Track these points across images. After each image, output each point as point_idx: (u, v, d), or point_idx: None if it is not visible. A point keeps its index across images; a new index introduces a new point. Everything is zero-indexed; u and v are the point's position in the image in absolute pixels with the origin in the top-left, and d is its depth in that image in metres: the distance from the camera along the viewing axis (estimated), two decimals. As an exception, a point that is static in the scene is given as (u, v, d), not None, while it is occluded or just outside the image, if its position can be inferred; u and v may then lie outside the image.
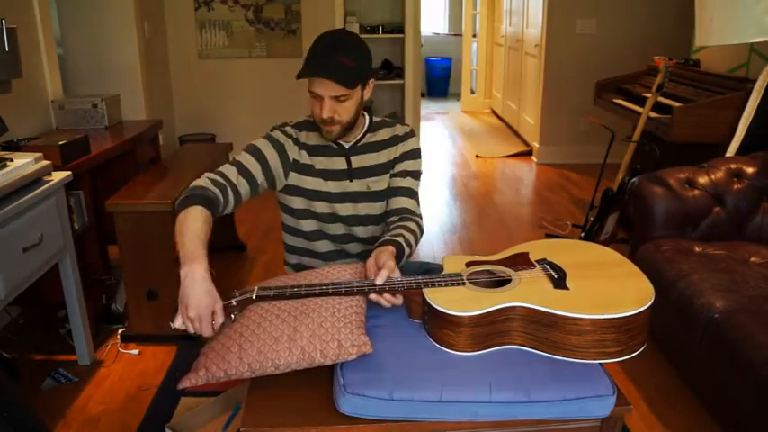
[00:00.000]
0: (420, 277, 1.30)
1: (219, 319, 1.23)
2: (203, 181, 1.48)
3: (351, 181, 1.63)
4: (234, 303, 1.26)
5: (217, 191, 1.46)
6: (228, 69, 4.85)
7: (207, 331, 1.22)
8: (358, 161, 1.63)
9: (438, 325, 1.23)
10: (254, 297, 1.28)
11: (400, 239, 1.45)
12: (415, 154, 1.69)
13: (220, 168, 1.55)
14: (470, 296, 1.24)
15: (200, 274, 1.23)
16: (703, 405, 2.01)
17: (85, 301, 2.29)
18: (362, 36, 5.33)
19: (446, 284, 1.28)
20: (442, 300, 1.22)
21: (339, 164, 1.62)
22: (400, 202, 1.64)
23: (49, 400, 2.10)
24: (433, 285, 1.28)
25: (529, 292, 1.23)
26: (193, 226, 1.34)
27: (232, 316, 1.26)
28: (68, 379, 2.22)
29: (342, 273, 1.41)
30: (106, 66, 3.83)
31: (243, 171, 1.54)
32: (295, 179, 1.61)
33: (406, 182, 1.66)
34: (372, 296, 1.29)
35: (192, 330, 1.22)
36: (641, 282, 1.29)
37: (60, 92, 3.06)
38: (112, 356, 2.37)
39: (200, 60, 4.83)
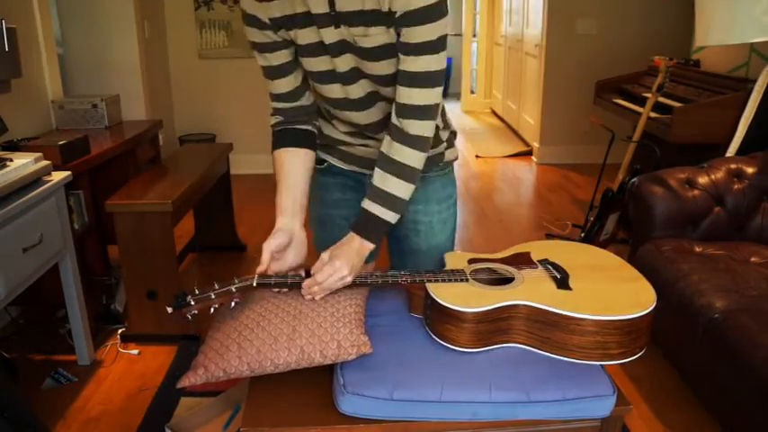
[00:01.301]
0: (423, 272, 1.30)
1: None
2: (273, 119, 1.38)
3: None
4: (233, 290, 1.25)
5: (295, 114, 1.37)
6: (228, 69, 4.85)
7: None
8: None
9: (440, 320, 1.23)
10: (254, 284, 1.27)
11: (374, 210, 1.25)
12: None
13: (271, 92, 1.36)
14: (474, 292, 1.24)
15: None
16: (703, 405, 2.01)
17: (85, 301, 2.29)
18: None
19: (449, 280, 1.28)
20: (446, 295, 1.22)
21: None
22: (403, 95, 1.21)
23: (49, 400, 2.10)
24: (436, 281, 1.27)
25: (533, 291, 1.23)
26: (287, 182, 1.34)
27: (233, 303, 1.25)
28: (68, 379, 2.22)
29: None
30: (106, 66, 3.83)
31: (276, 70, 1.32)
32: None
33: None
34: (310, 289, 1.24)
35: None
36: (643, 285, 1.29)
37: (60, 92, 3.06)
38: (112, 356, 2.37)
39: (200, 60, 4.83)
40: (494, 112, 8.01)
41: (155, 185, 2.54)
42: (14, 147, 2.33)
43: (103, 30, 3.77)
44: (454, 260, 1.40)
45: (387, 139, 1.26)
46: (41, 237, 1.94)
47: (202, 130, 4.93)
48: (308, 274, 1.27)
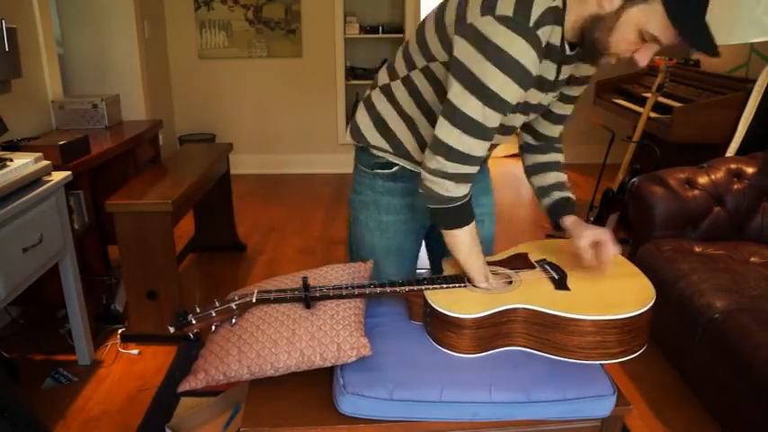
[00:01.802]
0: (421, 279, 1.30)
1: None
2: (464, 188, 1.26)
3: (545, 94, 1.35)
4: (234, 307, 1.26)
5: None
6: (228, 69, 4.85)
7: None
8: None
9: (440, 327, 1.23)
10: (254, 300, 1.27)
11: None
12: None
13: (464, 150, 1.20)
14: (472, 298, 1.24)
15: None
16: (703, 405, 2.01)
17: (85, 301, 2.29)
18: (362, 36, 5.30)
19: (447, 286, 1.28)
20: (444, 301, 1.22)
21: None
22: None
23: (49, 400, 2.10)
24: (434, 287, 1.27)
25: (531, 294, 1.23)
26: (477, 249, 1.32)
27: (233, 320, 1.26)
28: (68, 379, 2.22)
29: (340, 274, 1.41)
30: (106, 66, 3.83)
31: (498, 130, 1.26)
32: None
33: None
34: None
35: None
36: (642, 282, 1.29)
37: (60, 92, 3.06)
38: (112, 356, 2.37)
39: (200, 60, 4.83)
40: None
41: (155, 185, 2.54)
42: (14, 147, 2.33)
43: (103, 30, 3.77)
44: (452, 265, 1.40)
45: (551, 154, 1.60)
46: (41, 237, 1.94)
47: (202, 130, 4.93)
48: (307, 285, 1.28)
